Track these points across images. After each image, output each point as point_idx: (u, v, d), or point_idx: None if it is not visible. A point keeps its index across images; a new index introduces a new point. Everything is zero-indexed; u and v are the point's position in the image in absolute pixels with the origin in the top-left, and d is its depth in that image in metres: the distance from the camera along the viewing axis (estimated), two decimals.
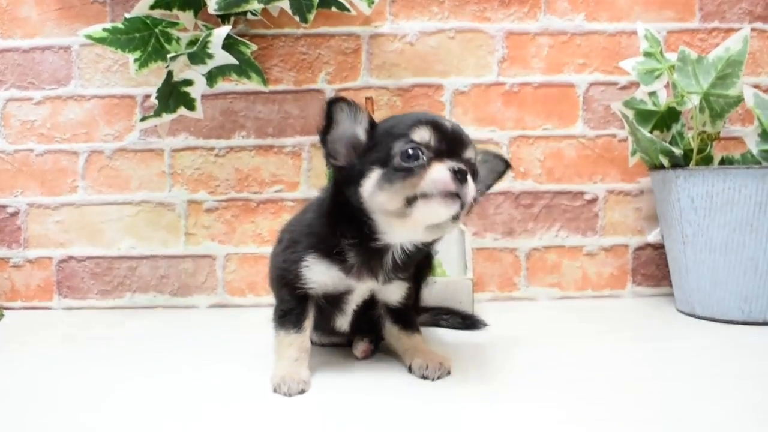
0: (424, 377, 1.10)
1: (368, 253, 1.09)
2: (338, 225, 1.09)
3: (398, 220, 1.03)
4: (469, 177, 1.00)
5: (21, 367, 1.26)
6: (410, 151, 1.00)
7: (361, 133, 1.06)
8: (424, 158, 1.00)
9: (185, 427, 0.92)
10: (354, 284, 1.12)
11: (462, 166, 1.00)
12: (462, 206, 1.00)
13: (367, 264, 1.10)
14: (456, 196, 0.98)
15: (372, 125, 1.07)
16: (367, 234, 1.07)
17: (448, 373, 1.12)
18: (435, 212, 1.00)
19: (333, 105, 1.04)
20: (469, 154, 1.06)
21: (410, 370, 1.13)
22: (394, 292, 1.18)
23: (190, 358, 1.30)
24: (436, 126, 1.03)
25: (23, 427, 0.93)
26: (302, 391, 1.04)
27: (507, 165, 1.18)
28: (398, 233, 1.07)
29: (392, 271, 1.12)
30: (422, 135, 1.01)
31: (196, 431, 0.90)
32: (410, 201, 1.00)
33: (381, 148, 1.03)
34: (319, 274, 1.11)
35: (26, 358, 1.34)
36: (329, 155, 1.07)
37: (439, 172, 0.99)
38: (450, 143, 1.03)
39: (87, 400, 1.05)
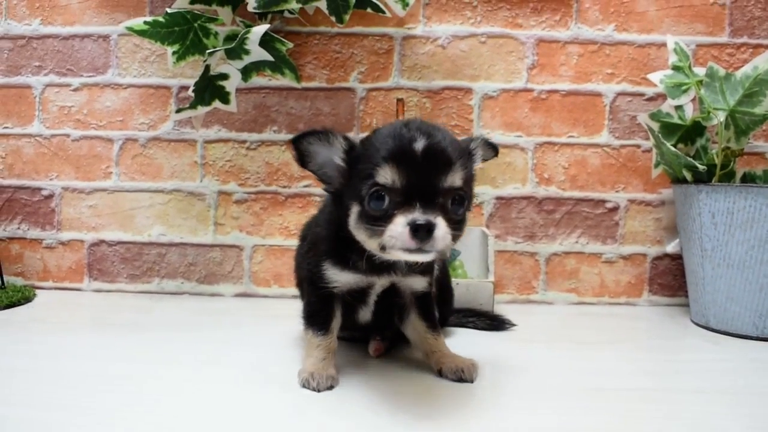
0: (462, 380, 1.13)
1: (377, 262, 1.04)
2: (343, 240, 1.06)
3: (384, 254, 0.98)
4: (438, 224, 0.91)
5: (50, 347, 1.32)
6: (376, 196, 0.95)
7: (338, 159, 1.02)
8: (389, 204, 0.94)
9: (207, 415, 0.96)
10: (374, 280, 1.15)
11: (425, 218, 0.91)
12: (434, 254, 0.94)
13: (379, 268, 1.09)
14: (420, 249, 0.91)
15: (350, 148, 1.02)
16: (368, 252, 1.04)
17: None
18: (407, 259, 0.98)
19: (299, 142, 1.02)
20: (449, 181, 0.95)
21: (440, 373, 1.15)
22: (417, 281, 1.18)
23: (217, 345, 1.36)
24: (403, 160, 0.93)
25: (48, 407, 0.98)
26: (331, 387, 1.08)
27: (496, 153, 1.12)
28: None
29: (408, 270, 1.13)
30: (385, 176, 0.94)
31: (219, 419, 0.94)
32: (382, 247, 0.96)
33: (356, 180, 0.98)
34: (338, 276, 1.13)
35: (56, 338, 1.39)
36: (322, 181, 1.06)
37: (396, 229, 0.92)
38: (422, 176, 0.94)
39: (112, 382, 1.10)
